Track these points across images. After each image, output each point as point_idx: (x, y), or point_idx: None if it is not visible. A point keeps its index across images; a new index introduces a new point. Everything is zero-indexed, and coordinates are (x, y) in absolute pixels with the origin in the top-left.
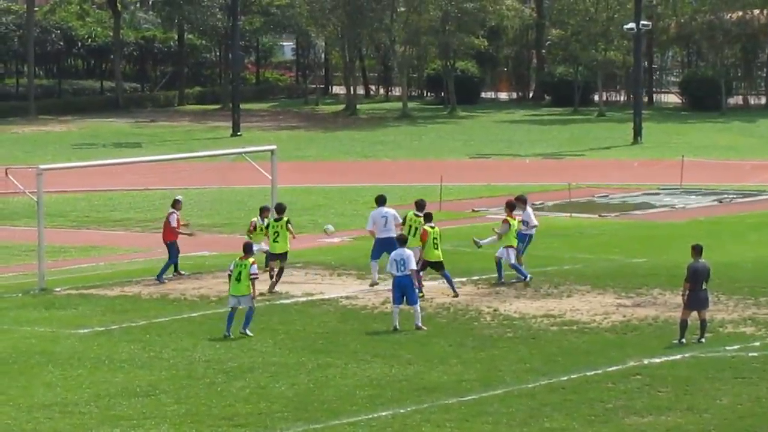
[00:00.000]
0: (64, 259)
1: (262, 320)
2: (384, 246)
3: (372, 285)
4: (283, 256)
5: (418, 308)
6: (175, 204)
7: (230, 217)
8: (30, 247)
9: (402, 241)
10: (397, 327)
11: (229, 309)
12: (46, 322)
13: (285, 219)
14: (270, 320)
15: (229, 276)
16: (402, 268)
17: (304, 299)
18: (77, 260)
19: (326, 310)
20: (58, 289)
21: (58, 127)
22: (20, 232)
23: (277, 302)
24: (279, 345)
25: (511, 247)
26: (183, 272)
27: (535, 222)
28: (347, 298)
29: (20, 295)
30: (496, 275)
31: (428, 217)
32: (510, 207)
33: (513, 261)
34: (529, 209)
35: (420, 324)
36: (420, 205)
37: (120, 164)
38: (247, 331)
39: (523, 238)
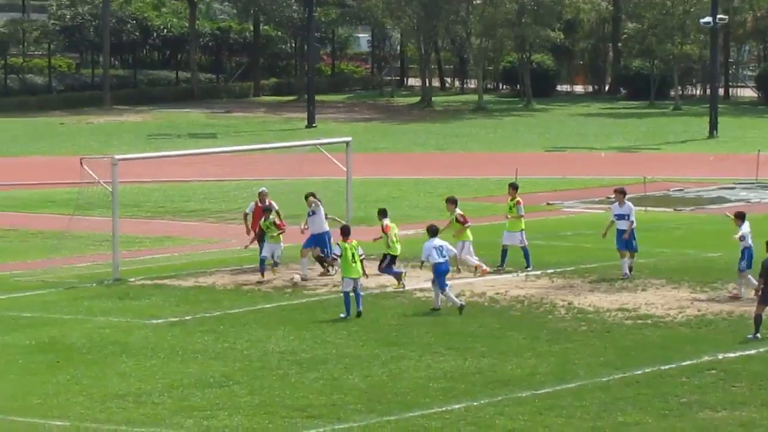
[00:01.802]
0: (138, 250)
1: (335, 311)
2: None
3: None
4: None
5: (450, 293)
6: (259, 194)
7: (304, 210)
8: (104, 237)
9: (434, 231)
10: (462, 303)
11: (349, 291)
12: (120, 313)
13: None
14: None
15: (333, 260)
16: (444, 254)
17: (377, 291)
18: (151, 251)
19: (400, 302)
20: (132, 280)
21: (133, 118)
22: (95, 222)
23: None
24: (353, 336)
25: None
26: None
27: (632, 218)
28: (421, 290)
29: (95, 285)
30: (570, 268)
31: (384, 213)
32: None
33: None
34: (629, 203)
35: (439, 305)
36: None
37: (195, 155)
38: (360, 308)
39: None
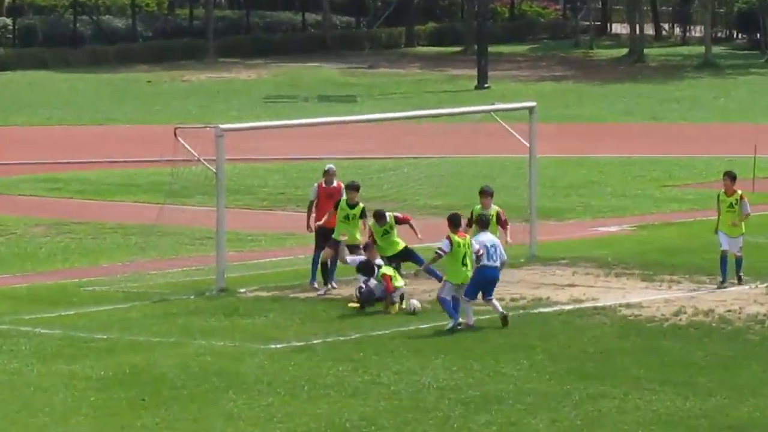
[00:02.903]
0: (251, 251)
1: (513, 334)
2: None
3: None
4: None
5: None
6: (325, 174)
7: (471, 197)
8: (206, 233)
9: (485, 222)
10: (471, 324)
11: (448, 298)
12: (227, 334)
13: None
14: (525, 334)
15: (439, 256)
16: (495, 258)
17: (570, 307)
18: (269, 252)
19: (600, 321)
20: (242, 291)
21: (245, 74)
22: (193, 213)
23: (535, 311)
24: (536, 367)
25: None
26: (320, 287)
27: None
28: (628, 306)
29: (192, 297)
30: None
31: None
32: None
33: None
34: None
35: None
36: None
37: (327, 124)
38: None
39: None
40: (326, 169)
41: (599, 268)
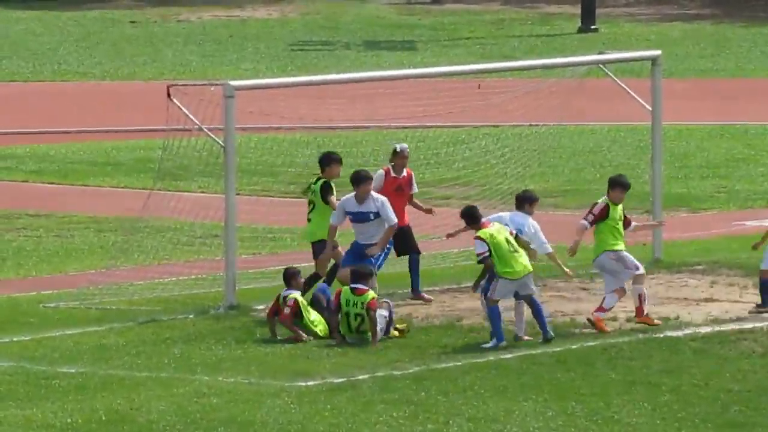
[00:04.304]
0: (272, 253)
1: (630, 367)
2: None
3: None
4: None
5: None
6: (395, 156)
7: (578, 180)
8: (210, 230)
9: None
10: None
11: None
12: (239, 368)
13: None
14: (646, 367)
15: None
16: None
17: (707, 329)
18: (296, 254)
19: (748, 349)
20: (260, 308)
21: (263, 11)
22: (193, 202)
23: (660, 335)
24: (661, 413)
25: None
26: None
27: None
28: None
29: (192, 317)
30: None
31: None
32: None
33: None
34: None
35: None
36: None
37: (376, 80)
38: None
39: None
40: (397, 149)
41: (746, 276)
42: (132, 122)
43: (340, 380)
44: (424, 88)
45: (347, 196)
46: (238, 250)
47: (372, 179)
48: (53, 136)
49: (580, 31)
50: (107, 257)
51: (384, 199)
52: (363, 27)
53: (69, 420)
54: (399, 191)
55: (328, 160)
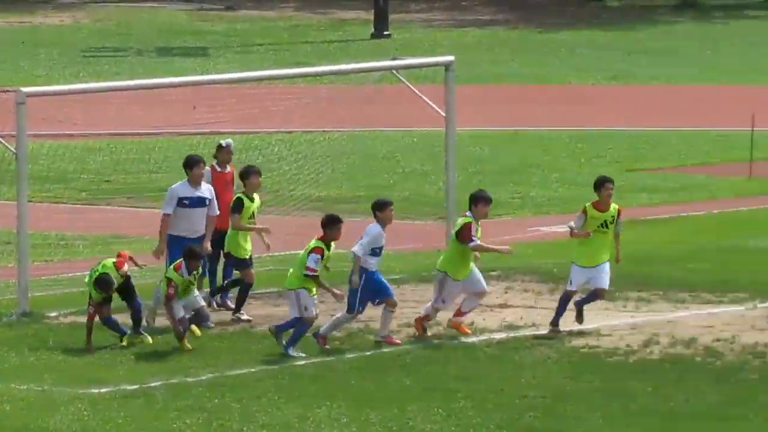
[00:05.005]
0: (65, 260)
1: (425, 373)
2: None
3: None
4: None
5: None
6: (219, 151)
7: (372, 186)
8: (1, 236)
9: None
10: None
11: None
12: (32, 375)
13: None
14: (442, 373)
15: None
16: None
17: (502, 335)
18: (89, 261)
19: (543, 355)
20: (53, 314)
21: (55, 17)
22: None
23: (455, 341)
24: (457, 419)
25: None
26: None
27: None
28: (581, 334)
29: None
30: None
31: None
32: None
33: None
34: None
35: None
36: None
37: (168, 87)
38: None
39: None
40: (223, 144)
41: (541, 282)
42: None
43: (134, 387)
44: (216, 94)
45: (178, 183)
46: (30, 258)
47: (203, 161)
48: None
49: (374, 36)
50: None
51: (211, 188)
52: (155, 33)
53: None
54: (227, 187)
55: (247, 173)
